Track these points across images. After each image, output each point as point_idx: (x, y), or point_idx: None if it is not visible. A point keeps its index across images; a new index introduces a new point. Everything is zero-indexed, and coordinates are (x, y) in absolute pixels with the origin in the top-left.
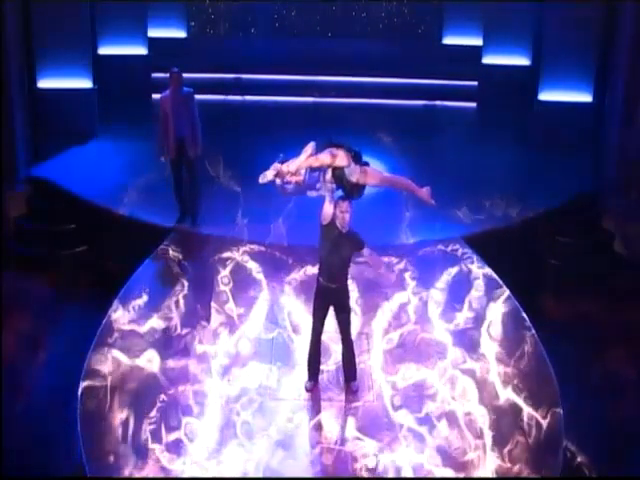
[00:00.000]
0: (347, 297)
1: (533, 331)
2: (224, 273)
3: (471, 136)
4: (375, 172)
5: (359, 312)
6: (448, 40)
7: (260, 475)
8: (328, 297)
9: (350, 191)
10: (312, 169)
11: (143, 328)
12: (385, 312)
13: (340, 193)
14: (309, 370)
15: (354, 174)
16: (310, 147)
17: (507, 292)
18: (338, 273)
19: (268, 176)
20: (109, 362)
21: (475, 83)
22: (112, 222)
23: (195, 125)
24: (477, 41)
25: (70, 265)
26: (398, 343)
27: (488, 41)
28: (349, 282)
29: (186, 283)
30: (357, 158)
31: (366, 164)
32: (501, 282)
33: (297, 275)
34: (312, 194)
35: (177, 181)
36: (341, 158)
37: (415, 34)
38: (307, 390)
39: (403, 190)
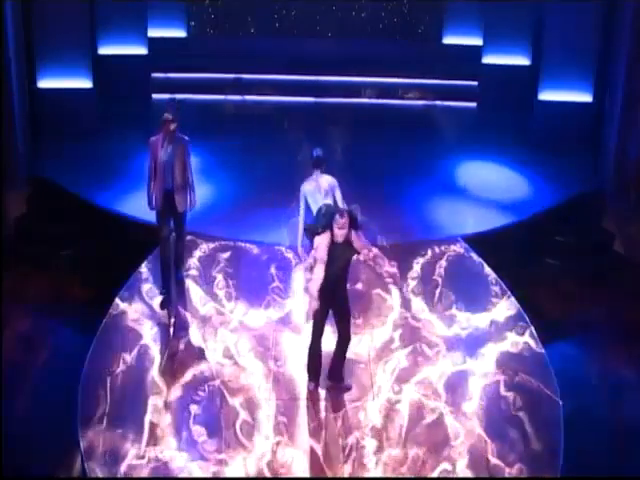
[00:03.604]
0: (346, 301)
1: (533, 331)
2: (224, 272)
3: (471, 136)
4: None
5: (359, 312)
6: (448, 40)
7: (260, 475)
8: (327, 301)
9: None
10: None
11: (143, 328)
12: (385, 312)
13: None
14: (309, 372)
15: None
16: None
17: (507, 292)
18: (337, 278)
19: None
20: (109, 362)
21: (475, 83)
22: (112, 222)
23: (187, 178)
24: (477, 41)
25: (70, 265)
26: (398, 343)
27: (488, 41)
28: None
29: (187, 283)
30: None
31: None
32: (501, 282)
33: (297, 275)
34: None
35: (163, 246)
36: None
37: (415, 34)
38: (309, 390)
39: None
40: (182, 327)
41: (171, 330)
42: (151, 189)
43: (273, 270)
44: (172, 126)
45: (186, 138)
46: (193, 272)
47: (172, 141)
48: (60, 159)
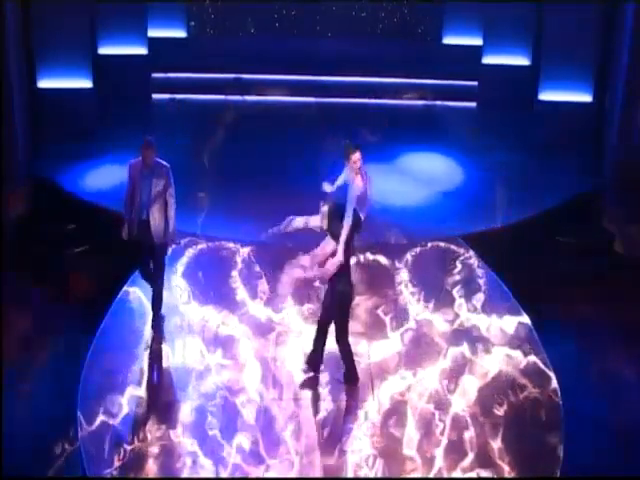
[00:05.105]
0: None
1: (533, 331)
2: (224, 273)
3: (471, 136)
4: None
5: (359, 312)
6: (448, 40)
7: (260, 475)
8: None
9: None
10: None
11: (144, 328)
12: (385, 312)
13: None
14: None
15: None
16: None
17: (507, 292)
18: None
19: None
20: (109, 362)
21: (475, 83)
22: (112, 222)
23: (168, 207)
24: (477, 41)
25: (70, 265)
26: (398, 343)
27: (488, 41)
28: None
29: (187, 283)
30: None
31: None
32: (501, 282)
33: (298, 275)
34: None
35: (145, 274)
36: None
37: (415, 34)
38: (309, 390)
39: None
40: (181, 327)
41: (171, 329)
42: (129, 215)
43: (273, 270)
44: (151, 151)
45: (166, 165)
46: (192, 272)
47: (150, 167)
48: (60, 159)
